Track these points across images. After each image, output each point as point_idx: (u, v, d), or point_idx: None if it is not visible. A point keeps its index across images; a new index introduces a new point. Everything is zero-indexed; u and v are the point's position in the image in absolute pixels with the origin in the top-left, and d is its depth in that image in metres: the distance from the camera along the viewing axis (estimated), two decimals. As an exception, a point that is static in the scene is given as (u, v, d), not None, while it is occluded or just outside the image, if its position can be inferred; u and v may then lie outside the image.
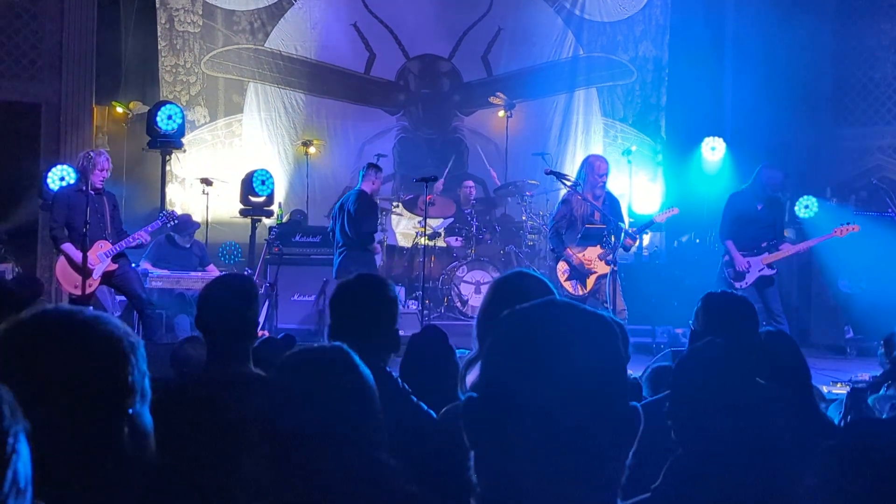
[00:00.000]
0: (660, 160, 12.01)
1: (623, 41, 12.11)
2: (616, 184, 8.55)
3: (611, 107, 12.13)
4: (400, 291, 9.70)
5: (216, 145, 11.42)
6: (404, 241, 10.83)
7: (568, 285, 7.58)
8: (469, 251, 9.87)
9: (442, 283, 9.72)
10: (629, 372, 1.70)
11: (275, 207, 9.75)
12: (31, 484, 1.00)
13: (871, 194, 10.04)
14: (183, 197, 10.98)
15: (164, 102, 9.85)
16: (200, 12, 11.35)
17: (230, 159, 11.18)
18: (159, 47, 11.22)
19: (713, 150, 11.02)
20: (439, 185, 10.10)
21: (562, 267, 7.67)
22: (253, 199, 9.30)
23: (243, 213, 9.40)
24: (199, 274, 8.61)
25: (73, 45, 10.37)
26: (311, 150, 11.23)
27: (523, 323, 1.17)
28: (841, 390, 6.22)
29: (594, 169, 7.58)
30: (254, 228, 9.39)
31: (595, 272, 7.56)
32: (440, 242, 10.18)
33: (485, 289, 8.87)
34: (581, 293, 7.52)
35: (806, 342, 9.49)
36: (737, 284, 7.41)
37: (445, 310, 9.59)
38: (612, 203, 7.70)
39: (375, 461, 1.87)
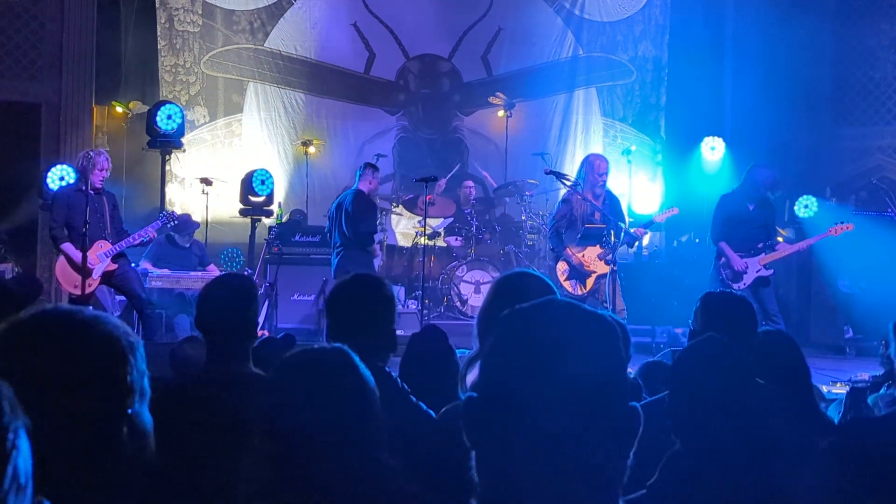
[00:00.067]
0: (659, 160, 12.00)
1: (623, 41, 12.11)
2: (616, 184, 8.54)
3: (610, 107, 12.13)
4: (400, 291, 9.70)
5: (216, 145, 11.42)
6: (404, 241, 10.82)
7: (567, 285, 7.57)
8: (469, 251, 9.88)
9: (442, 283, 9.73)
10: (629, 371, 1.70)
11: (274, 207, 9.75)
12: (32, 481, 1.00)
13: (870, 194, 10.03)
14: (183, 197, 10.98)
15: (164, 102, 9.83)
16: (200, 12, 11.35)
17: (230, 159, 11.17)
18: (159, 47, 11.22)
19: (713, 150, 11.02)
20: (441, 184, 10.10)
21: (561, 267, 7.66)
22: (253, 198, 9.30)
23: (243, 212, 9.39)
24: (199, 274, 8.61)
25: (73, 44, 10.36)
26: (311, 149, 11.23)
27: (524, 322, 1.17)
28: (840, 390, 6.21)
29: (594, 168, 7.57)
30: (253, 228, 9.39)
31: (595, 272, 7.56)
32: (440, 242, 10.18)
33: (484, 288, 8.93)
34: (580, 293, 7.52)
35: (805, 342, 9.47)
36: (734, 286, 7.36)
37: (445, 309, 9.60)
38: (612, 202, 7.69)
39: (375, 461, 1.87)
